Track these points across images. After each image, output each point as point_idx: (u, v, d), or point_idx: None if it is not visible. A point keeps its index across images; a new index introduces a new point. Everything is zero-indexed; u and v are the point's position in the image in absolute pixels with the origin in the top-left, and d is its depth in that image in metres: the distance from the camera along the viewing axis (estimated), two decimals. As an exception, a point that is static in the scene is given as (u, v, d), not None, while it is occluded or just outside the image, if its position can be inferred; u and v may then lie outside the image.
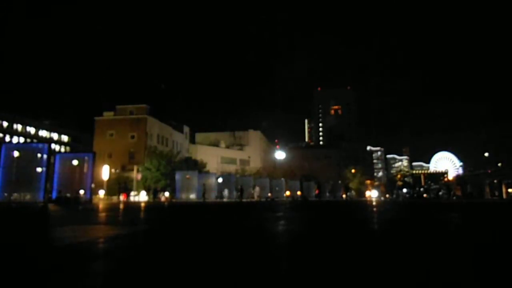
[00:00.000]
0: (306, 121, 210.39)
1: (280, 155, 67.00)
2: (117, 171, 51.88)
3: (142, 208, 15.60)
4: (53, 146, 61.25)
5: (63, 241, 4.32)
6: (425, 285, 2.23)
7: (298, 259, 3.13)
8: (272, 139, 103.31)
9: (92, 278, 2.45)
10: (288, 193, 53.49)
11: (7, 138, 77.14)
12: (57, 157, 27.51)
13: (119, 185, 41.75)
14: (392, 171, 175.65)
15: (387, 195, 70.88)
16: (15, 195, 24.13)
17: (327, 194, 65.73)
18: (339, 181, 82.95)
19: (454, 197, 41.95)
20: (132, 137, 59.25)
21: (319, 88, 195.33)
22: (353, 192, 69.71)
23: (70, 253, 3.44)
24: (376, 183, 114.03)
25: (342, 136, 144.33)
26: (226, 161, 77.33)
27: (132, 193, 44.39)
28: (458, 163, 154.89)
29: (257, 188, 39.30)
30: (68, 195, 24.92)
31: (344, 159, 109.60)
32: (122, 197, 37.45)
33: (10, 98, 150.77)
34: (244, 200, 35.53)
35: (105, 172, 37.81)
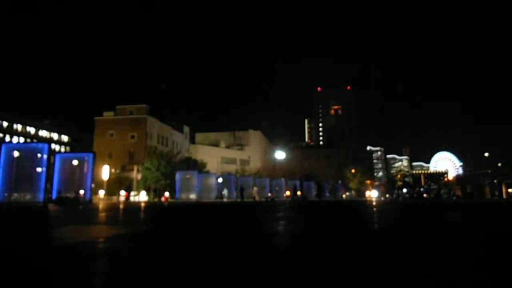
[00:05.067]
0: (306, 121, 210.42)
1: (280, 155, 66.91)
2: (117, 171, 51.91)
3: (142, 208, 15.61)
4: (53, 146, 61.26)
5: (63, 241, 4.33)
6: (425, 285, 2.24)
7: (297, 259, 3.13)
8: (272, 139, 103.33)
9: (93, 278, 2.46)
10: (288, 193, 53.47)
11: (7, 138, 77.12)
12: (57, 157, 27.45)
13: (120, 184, 41.84)
14: (392, 171, 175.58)
15: (387, 195, 70.85)
16: (15, 195, 24.09)
17: (327, 194, 65.79)
18: (339, 181, 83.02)
19: (454, 197, 41.92)
20: (132, 137, 59.27)
21: (319, 88, 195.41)
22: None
23: (71, 253, 3.44)
24: (376, 183, 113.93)
25: (342, 136, 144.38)
26: (226, 161, 77.34)
27: (132, 193, 44.43)
28: (458, 163, 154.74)
29: (255, 188, 39.29)
30: (68, 195, 24.90)
31: (344, 159, 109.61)
32: (123, 194, 37.54)
33: (10, 98, 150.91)
34: (244, 200, 35.53)
35: (105, 172, 37.82)
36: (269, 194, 47.98)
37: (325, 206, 17.09)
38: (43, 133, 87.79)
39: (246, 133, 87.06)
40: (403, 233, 5.39)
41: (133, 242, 4.38)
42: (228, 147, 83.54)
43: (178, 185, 41.86)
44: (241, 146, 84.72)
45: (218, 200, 38.91)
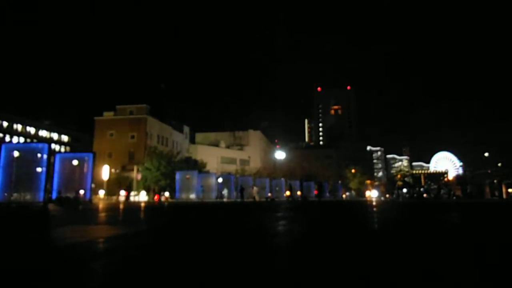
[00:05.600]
0: (306, 121, 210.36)
1: (280, 155, 66.86)
2: (117, 171, 51.88)
3: (142, 208, 15.61)
4: (53, 146, 61.28)
5: (63, 241, 4.33)
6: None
7: (297, 260, 3.13)
8: (272, 139, 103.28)
9: (93, 278, 2.46)
10: (288, 193, 53.43)
11: (7, 138, 77.14)
12: (57, 157, 27.46)
13: (120, 184, 41.87)
14: (392, 171, 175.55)
15: (387, 195, 70.84)
16: (15, 195, 24.10)
17: (327, 194, 65.79)
18: (339, 181, 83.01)
19: (454, 197, 41.93)
20: (132, 137, 59.27)
21: (319, 88, 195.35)
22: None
23: (71, 253, 3.44)
24: (376, 183, 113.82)
25: (342, 136, 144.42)
26: (226, 161, 77.30)
27: (132, 193, 44.42)
28: (458, 163, 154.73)
29: (255, 188, 39.29)
30: (68, 195, 24.90)
31: (344, 159, 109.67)
32: (123, 194, 37.62)
33: (10, 98, 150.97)
34: (244, 200, 35.51)
35: (105, 172, 37.81)
36: (269, 194, 47.97)
37: (324, 206, 17.09)
38: (43, 133, 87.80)
39: (246, 133, 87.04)
40: (401, 233, 5.39)
41: (133, 242, 4.38)
42: (228, 147, 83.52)
43: (178, 185, 41.87)
44: (241, 146, 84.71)
45: (218, 200, 38.91)
